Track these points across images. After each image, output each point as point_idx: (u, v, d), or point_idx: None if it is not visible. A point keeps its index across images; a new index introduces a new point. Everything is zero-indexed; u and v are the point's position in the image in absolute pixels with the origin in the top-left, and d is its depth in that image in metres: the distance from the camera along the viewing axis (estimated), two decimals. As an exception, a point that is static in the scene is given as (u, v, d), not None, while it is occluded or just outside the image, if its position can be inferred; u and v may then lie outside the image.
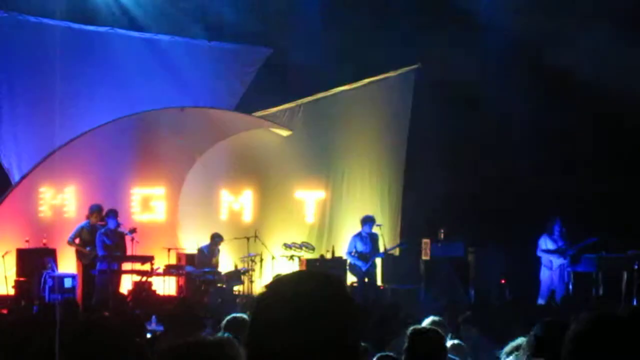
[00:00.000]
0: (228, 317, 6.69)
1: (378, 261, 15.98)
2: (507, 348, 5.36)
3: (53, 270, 14.72)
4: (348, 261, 15.81)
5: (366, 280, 15.54)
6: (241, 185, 17.72)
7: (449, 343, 6.46)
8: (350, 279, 15.76)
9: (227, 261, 16.27)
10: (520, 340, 5.04)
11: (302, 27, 17.30)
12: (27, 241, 15.20)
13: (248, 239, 16.24)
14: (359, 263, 15.51)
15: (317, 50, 17.12)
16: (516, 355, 5.11)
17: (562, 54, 15.39)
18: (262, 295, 2.53)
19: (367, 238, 15.57)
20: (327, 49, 17.28)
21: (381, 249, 15.72)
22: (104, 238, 14.35)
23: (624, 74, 14.60)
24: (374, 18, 17.37)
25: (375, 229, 15.71)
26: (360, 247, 15.51)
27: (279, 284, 2.55)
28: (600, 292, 15.38)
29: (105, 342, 3.70)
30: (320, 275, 2.55)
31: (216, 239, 15.67)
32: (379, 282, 16.39)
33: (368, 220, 15.68)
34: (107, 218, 14.55)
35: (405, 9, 17.18)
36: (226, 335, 5.41)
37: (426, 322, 7.07)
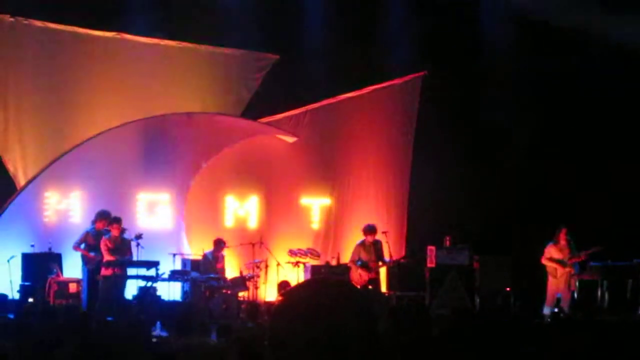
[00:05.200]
0: None
1: (382, 269, 15.89)
2: None
3: (58, 275, 14.73)
4: (351, 269, 15.67)
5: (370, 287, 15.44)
6: (247, 192, 17.71)
7: None
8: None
9: (232, 267, 16.26)
10: None
11: (309, 34, 17.32)
12: (32, 246, 15.22)
13: (253, 245, 16.22)
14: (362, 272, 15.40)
15: (324, 57, 17.14)
16: None
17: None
18: (282, 298, 2.70)
19: (371, 246, 15.46)
20: (333, 56, 17.29)
21: (386, 256, 15.59)
22: (107, 243, 14.28)
23: None
24: (380, 24, 17.37)
25: (379, 236, 15.60)
26: (364, 256, 15.39)
27: (298, 286, 2.72)
28: (606, 300, 15.35)
29: None
30: (333, 279, 2.74)
31: (219, 244, 15.66)
32: (383, 289, 16.31)
33: (370, 230, 15.56)
34: (110, 227, 14.39)
35: (412, 15, 17.19)
36: None
37: None
